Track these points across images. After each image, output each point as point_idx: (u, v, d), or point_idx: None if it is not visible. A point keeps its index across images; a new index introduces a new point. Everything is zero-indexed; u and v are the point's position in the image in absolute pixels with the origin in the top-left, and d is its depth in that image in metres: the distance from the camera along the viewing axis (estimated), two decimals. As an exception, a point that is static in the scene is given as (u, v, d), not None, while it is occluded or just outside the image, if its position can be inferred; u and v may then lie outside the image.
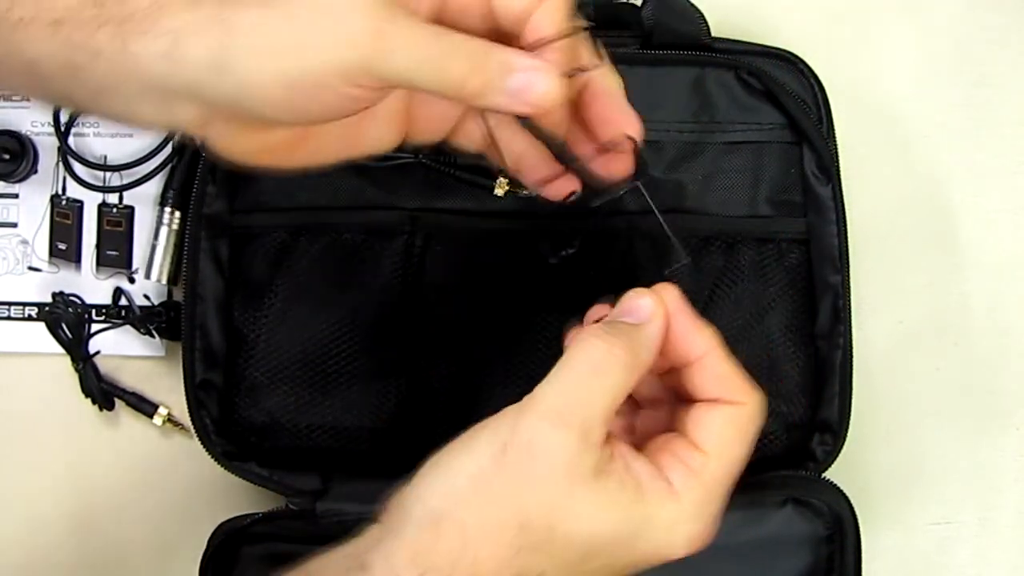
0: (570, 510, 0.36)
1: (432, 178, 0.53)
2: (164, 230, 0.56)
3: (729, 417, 0.39)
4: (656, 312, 0.38)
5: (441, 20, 0.39)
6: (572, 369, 0.37)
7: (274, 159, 0.42)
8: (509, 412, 0.37)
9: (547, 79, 0.37)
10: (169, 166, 0.56)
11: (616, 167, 0.42)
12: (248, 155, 0.41)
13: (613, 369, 0.37)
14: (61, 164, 0.57)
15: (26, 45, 0.39)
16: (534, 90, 0.37)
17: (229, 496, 0.55)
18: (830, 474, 0.51)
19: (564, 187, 0.43)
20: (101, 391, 0.56)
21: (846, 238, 0.52)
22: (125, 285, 0.57)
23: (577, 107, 0.42)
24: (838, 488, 0.49)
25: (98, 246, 0.57)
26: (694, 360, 0.39)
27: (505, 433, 0.36)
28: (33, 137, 0.57)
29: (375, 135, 0.44)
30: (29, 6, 0.39)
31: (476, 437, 0.37)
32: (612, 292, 0.42)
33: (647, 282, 0.40)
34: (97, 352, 0.56)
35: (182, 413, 0.53)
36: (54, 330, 0.55)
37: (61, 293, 0.56)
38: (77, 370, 0.56)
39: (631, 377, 0.37)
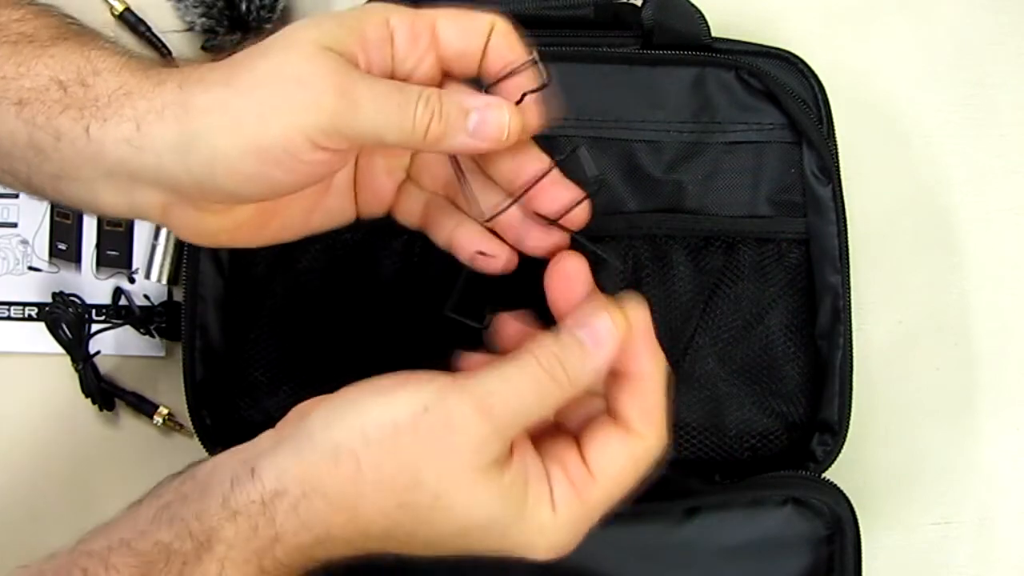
0: (460, 488, 0.37)
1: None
2: (164, 230, 0.56)
3: (629, 450, 0.40)
4: (610, 340, 0.39)
5: (394, 76, 0.40)
6: (515, 374, 0.38)
7: (239, 238, 0.43)
8: (440, 379, 0.38)
9: (501, 113, 0.39)
10: (169, 166, 0.56)
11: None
12: (212, 236, 0.42)
13: (552, 392, 0.38)
14: (61, 164, 0.57)
15: None
16: (492, 125, 0.39)
17: (229, 496, 0.55)
18: (830, 474, 0.51)
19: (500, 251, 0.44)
20: (101, 391, 0.56)
21: (846, 238, 0.52)
22: (125, 285, 0.57)
23: None
24: (838, 488, 0.49)
25: (98, 246, 0.57)
26: (633, 377, 0.40)
27: (429, 397, 0.38)
28: (33, 137, 0.57)
29: (334, 209, 0.45)
30: None
31: (399, 389, 0.38)
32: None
33: (619, 291, 0.40)
34: (97, 352, 0.56)
35: (182, 413, 0.53)
36: (54, 330, 0.55)
37: (61, 293, 0.56)
38: (77, 370, 0.56)
39: (565, 398, 0.39)
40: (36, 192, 0.42)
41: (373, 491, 0.37)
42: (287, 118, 0.37)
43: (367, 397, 0.39)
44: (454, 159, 0.44)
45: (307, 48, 0.38)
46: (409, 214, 0.46)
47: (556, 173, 0.43)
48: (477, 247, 0.44)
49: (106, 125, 0.39)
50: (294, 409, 0.41)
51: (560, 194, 0.43)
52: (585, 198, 0.43)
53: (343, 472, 0.37)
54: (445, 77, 0.42)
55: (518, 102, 0.41)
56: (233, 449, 0.40)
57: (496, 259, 0.44)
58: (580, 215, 0.43)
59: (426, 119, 0.38)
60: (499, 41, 0.41)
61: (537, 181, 0.43)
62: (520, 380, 0.38)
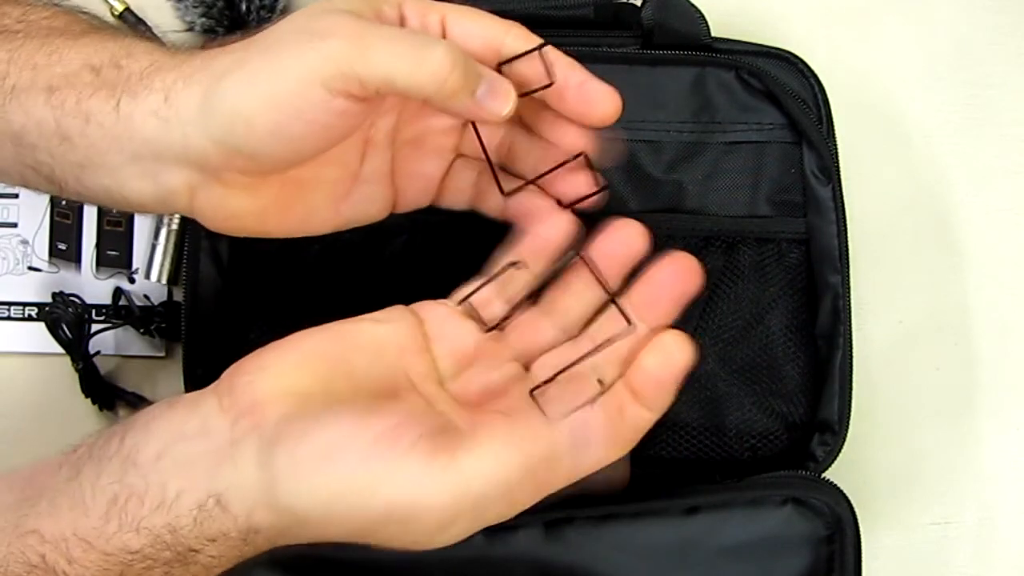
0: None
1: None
2: (164, 230, 0.56)
3: (510, 429, 0.39)
4: None
5: None
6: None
7: (264, 224, 0.43)
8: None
9: (509, 91, 0.40)
10: (169, 166, 0.56)
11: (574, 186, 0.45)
12: (239, 220, 0.42)
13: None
14: (61, 164, 0.57)
15: (15, 115, 0.40)
16: (499, 97, 0.40)
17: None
18: (830, 474, 0.51)
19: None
20: (101, 391, 0.56)
21: (846, 238, 0.52)
22: (125, 285, 0.57)
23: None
24: (838, 488, 0.49)
25: (98, 246, 0.57)
26: None
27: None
28: (33, 137, 0.57)
29: (364, 199, 0.45)
30: (26, 74, 0.40)
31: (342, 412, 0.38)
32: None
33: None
34: (97, 352, 0.56)
35: (182, 413, 0.53)
36: (54, 330, 0.55)
37: (61, 293, 0.56)
38: (77, 370, 0.56)
39: None
40: (58, 186, 0.42)
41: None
42: (301, 67, 0.37)
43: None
44: (477, 133, 0.45)
45: (325, 9, 0.39)
46: (459, 193, 0.47)
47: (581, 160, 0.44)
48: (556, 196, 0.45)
49: (136, 99, 0.39)
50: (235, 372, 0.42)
51: (579, 180, 0.44)
52: (603, 188, 0.45)
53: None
54: None
55: (524, 95, 0.42)
56: (173, 431, 0.40)
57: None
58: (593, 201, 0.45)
59: (447, 66, 0.38)
60: (513, 46, 0.42)
61: (561, 165, 0.44)
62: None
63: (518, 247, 0.45)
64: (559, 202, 0.45)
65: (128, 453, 0.40)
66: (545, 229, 0.45)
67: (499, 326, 0.45)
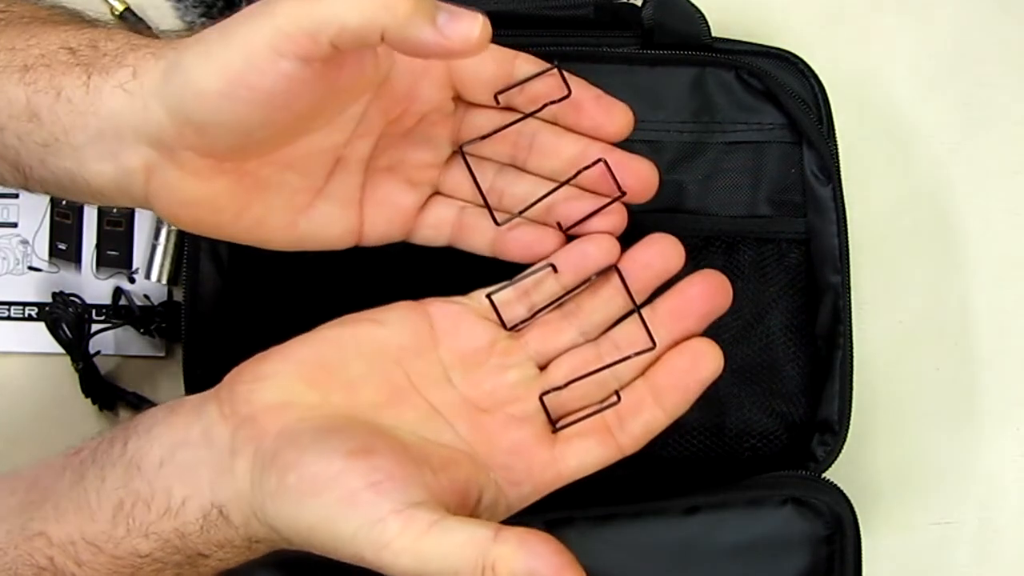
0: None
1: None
2: (164, 230, 0.56)
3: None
4: None
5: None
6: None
7: (218, 218, 0.42)
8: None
9: (475, 15, 0.36)
10: (169, 166, 0.56)
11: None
12: (192, 209, 0.41)
13: None
14: (61, 164, 0.57)
15: None
16: (462, 22, 0.36)
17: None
18: (830, 474, 0.51)
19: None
20: (101, 391, 0.56)
21: (846, 238, 0.52)
22: (125, 285, 0.57)
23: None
24: (838, 488, 0.49)
25: (98, 246, 0.57)
26: None
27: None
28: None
29: (324, 219, 0.44)
30: (3, 55, 0.41)
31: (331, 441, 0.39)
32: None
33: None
34: (97, 352, 0.56)
35: (182, 413, 0.53)
36: (54, 330, 0.55)
37: (61, 293, 0.56)
38: (77, 370, 0.56)
39: None
40: (23, 174, 0.42)
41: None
42: (249, 33, 0.37)
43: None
44: (472, 173, 0.45)
45: None
46: (434, 229, 0.46)
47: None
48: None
49: (107, 75, 0.39)
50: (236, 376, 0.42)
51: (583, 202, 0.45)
52: (621, 196, 0.45)
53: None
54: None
55: (538, 111, 0.44)
56: (176, 438, 0.40)
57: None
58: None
59: None
60: (525, 68, 0.43)
61: (557, 187, 0.44)
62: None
63: (556, 256, 0.45)
64: (559, 225, 0.45)
65: (131, 458, 0.40)
66: (589, 246, 0.45)
67: (518, 327, 0.45)
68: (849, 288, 0.52)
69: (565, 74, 0.44)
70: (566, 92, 0.44)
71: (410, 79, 0.44)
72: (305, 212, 0.44)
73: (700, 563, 0.48)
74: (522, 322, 0.45)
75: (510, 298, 0.45)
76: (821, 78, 0.53)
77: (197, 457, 0.40)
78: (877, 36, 0.59)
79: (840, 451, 0.52)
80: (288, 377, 0.41)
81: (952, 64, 0.59)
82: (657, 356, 0.44)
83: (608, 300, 0.45)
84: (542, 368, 0.45)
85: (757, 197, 0.53)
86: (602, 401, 0.44)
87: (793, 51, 0.54)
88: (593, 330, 0.45)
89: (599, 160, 0.44)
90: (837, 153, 0.53)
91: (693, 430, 0.52)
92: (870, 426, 0.56)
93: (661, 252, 0.44)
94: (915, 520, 0.57)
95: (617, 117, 0.44)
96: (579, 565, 0.36)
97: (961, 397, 0.58)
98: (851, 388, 0.52)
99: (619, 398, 0.43)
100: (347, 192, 0.44)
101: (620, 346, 0.44)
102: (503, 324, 0.45)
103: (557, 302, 0.45)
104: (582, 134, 0.45)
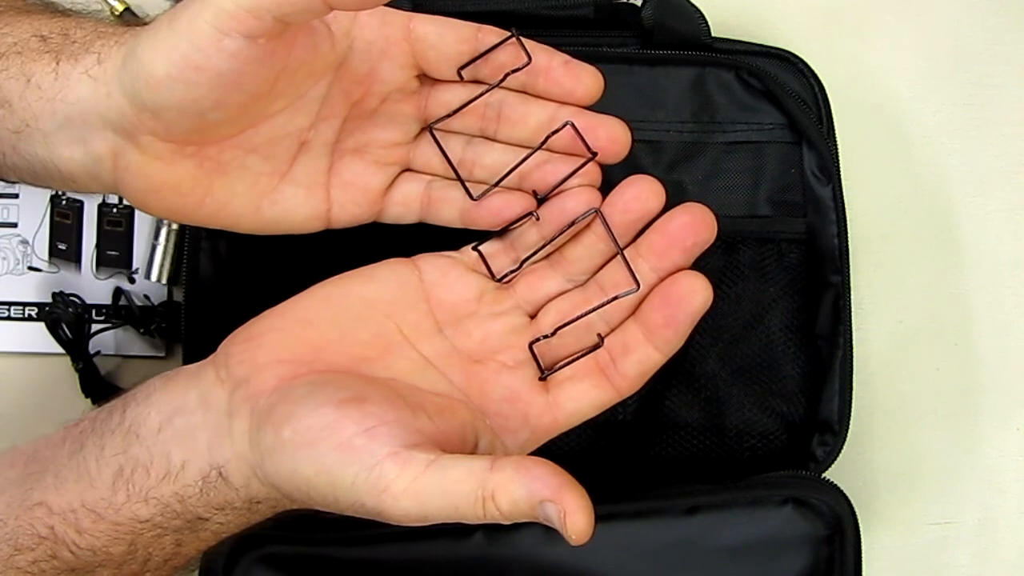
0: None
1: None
2: (164, 230, 0.56)
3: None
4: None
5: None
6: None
7: (183, 201, 0.42)
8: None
9: None
10: (169, 166, 0.56)
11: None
12: (157, 194, 0.42)
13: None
14: (61, 164, 0.57)
15: None
16: None
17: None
18: (830, 474, 0.51)
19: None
20: (101, 391, 0.56)
21: (846, 238, 0.52)
22: (125, 285, 0.57)
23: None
24: (838, 488, 0.49)
25: (98, 246, 0.57)
26: None
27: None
28: (33, 137, 0.57)
29: (290, 202, 0.44)
30: None
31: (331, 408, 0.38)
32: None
33: None
34: (97, 352, 0.56)
35: (182, 413, 0.53)
36: (54, 330, 0.55)
37: (61, 293, 0.56)
38: (77, 370, 0.56)
39: None
40: None
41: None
42: (192, 14, 0.37)
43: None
44: (443, 151, 0.45)
45: None
46: (404, 206, 0.46)
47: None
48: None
49: (75, 61, 0.40)
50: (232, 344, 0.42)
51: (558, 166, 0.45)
52: (593, 156, 0.44)
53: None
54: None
55: (501, 81, 0.44)
56: (174, 404, 0.41)
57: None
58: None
59: None
60: (487, 39, 0.43)
61: (528, 155, 0.44)
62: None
63: (540, 209, 0.45)
64: (534, 193, 0.45)
65: (130, 426, 0.40)
66: (568, 201, 0.45)
67: (507, 278, 0.45)
68: (849, 288, 0.52)
69: (527, 42, 0.44)
70: (527, 60, 0.44)
71: (370, 60, 0.43)
72: (270, 196, 0.44)
73: (700, 563, 0.48)
74: (510, 272, 0.45)
75: (498, 250, 0.46)
76: (821, 78, 0.54)
77: (195, 421, 0.40)
78: (877, 36, 0.59)
79: (840, 451, 0.52)
80: (281, 335, 0.42)
81: (952, 64, 0.59)
82: (646, 295, 0.44)
83: (591, 246, 0.45)
84: (532, 317, 0.45)
85: (757, 197, 0.53)
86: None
87: (793, 51, 0.54)
88: (581, 276, 0.45)
89: (567, 123, 0.44)
90: (837, 153, 0.53)
91: (693, 430, 0.52)
92: (870, 426, 0.56)
93: (638, 194, 0.44)
94: (915, 520, 0.57)
95: (586, 80, 0.44)
96: (578, 484, 0.36)
97: (961, 397, 0.58)
98: (851, 388, 0.52)
99: (602, 340, 0.43)
100: (313, 176, 0.44)
101: (606, 289, 0.44)
102: (492, 275, 0.45)
103: (542, 248, 0.45)
104: (553, 100, 0.45)
